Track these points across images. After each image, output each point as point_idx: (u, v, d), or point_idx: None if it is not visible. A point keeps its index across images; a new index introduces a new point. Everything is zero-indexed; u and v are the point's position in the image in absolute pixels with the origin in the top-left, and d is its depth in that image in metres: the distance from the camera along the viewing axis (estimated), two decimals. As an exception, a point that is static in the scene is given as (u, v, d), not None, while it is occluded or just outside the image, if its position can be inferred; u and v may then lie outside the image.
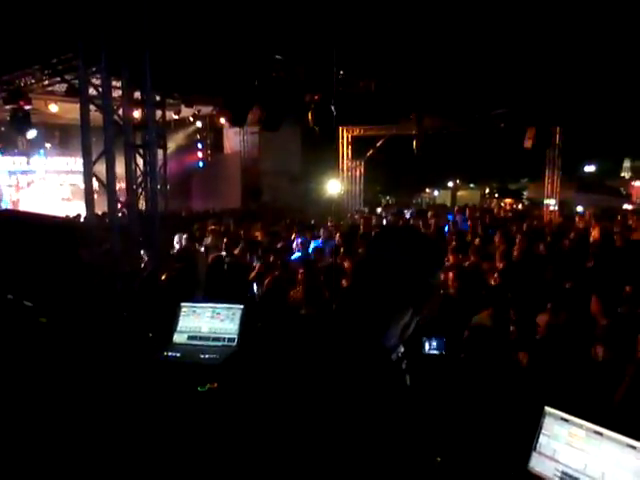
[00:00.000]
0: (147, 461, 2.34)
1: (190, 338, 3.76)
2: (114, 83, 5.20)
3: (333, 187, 19.22)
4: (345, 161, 18.93)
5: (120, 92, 5.09)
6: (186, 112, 16.92)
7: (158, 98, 13.45)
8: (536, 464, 2.18)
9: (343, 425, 1.20)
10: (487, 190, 31.95)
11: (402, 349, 1.43)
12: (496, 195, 30.22)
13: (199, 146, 19.59)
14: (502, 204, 25.87)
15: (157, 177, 4.46)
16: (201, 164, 19.77)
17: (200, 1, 8.51)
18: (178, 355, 3.50)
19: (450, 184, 32.43)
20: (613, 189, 26.87)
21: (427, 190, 32.55)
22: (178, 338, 3.77)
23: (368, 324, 1.31)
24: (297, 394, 1.32)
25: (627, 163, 28.58)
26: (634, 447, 1.95)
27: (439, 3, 10.22)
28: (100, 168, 4.90)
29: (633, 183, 27.76)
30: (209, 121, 18.38)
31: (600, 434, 2.06)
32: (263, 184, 19.43)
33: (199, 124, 18.23)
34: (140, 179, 5.56)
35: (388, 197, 26.94)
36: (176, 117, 16.65)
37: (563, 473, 2.10)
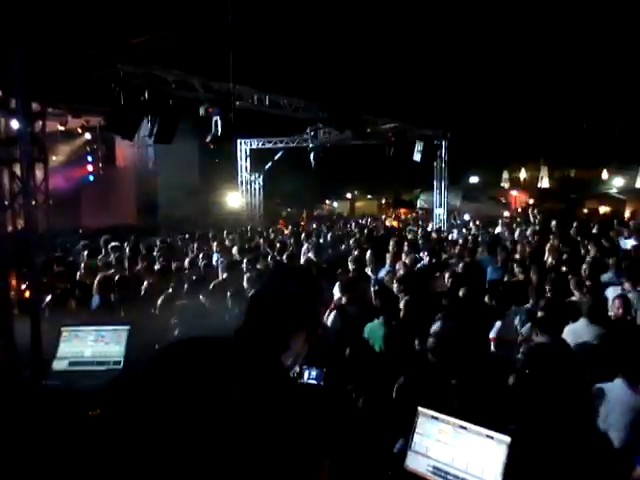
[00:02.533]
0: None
1: (71, 364, 3.55)
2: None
3: (233, 200, 19.10)
4: (244, 174, 18.89)
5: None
6: (74, 123, 16.01)
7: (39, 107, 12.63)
8: (411, 462, 2.33)
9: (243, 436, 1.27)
10: (384, 200, 33.34)
11: (297, 369, 1.63)
12: (392, 205, 31.58)
13: (89, 159, 18.53)
14: (397, 213, 27.14)
15: (31, 193, 4.17)
16: (91, 178, 18.71)
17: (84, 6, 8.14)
18: (57, 383, 3.30)
19: (349, 195, 33.51)
20: (494, 198, 29.36)
21: (327, 201, 33.32)
22: (58, 365, 3.54)
23: (269, 344, 1.43)
24: (191, 414, 1.35)
25: (506, 175, 31.42)
26: (492, 437, 2.15)
27: (330, 19, 10.61)
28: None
29: (511, 192, 30.60)
30: (100, 132, 17.49)
31: (465, 428, 2.25)
32: (160, 198, 18.82)
33: (88, 136, 17.29)
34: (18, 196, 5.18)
35: (289, 209, 27.22)
36: (62, 128, 15.70)
37: (434, 467, 2.26)
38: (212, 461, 1.30)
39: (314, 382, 2.07)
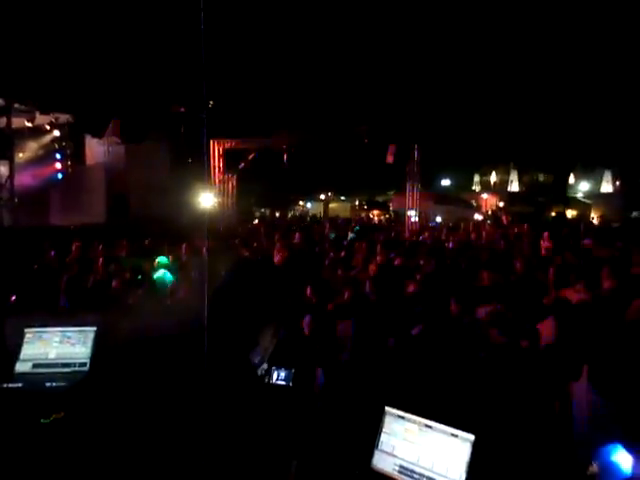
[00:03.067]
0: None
1: (35, 366, 3.47)
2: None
3: (206, 200, 18.87)
4: (217, 174, 18.73)
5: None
6: (42, 119, 15.65)
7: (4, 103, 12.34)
8: (378, 461, 2.35)
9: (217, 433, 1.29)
10: (357, 202, 33.52)
11: (266, 366, 1.64)
12: (365, 207, 31.81)
13: (57, 156, 18.11)
14: (371, 215, 27.34)
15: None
16: (60, 176, 18.29)
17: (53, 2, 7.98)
18: (19, 386, 3.22)
19: (322, 196, 33.55)
20: (466, 201, 29.85)
21: (300, 202, 33.32)
22: (21, 367, 3.45)
23: (235, 340, 1.43)
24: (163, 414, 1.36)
25: (477, 178, 32.07)
26: (456, 435, 2.19)
27: (307, 22, 10.64)
28: None
29: (482, 196, 31.16)
30: (68, 130, 17.13)
31: (430, 427, 2.28)
32: (130, 198, 18.49)
33: (57, 133, 16.92)
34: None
35: (263, 209, 27.11)
36: (30, 125, 15.33)
37: (400, 466, 2.28)
38: (176, 459, 1.30)
39: (283, 383, 2.08)
